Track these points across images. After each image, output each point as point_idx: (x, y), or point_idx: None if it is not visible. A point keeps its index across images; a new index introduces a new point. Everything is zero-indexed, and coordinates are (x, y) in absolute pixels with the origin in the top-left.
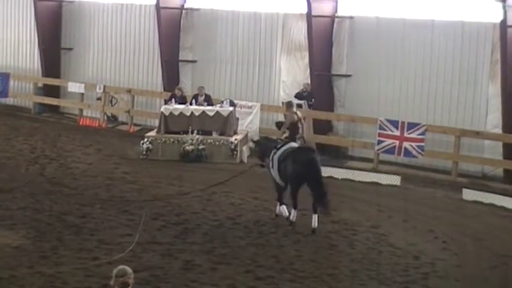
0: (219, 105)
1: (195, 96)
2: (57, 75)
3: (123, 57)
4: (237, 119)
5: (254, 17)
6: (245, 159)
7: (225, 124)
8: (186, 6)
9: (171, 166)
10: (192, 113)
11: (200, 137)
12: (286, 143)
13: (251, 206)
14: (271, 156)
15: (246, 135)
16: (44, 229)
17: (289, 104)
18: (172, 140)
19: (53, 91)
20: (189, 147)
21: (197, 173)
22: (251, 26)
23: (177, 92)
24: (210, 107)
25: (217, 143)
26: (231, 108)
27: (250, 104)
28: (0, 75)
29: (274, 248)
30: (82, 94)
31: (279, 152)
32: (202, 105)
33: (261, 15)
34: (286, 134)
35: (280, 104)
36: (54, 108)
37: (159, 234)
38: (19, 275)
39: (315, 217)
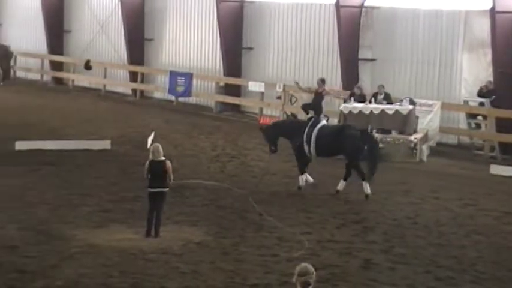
0: (398, 103)
1: (375, 95)
2: (238, 75)
3: (303, 56)
4: (417, 117)
5: (435, 14)
6: (425, 159)
7: (405, 123)
8: (365, 4)
9: None
10: (371, 111)
11: (379, 136)
12: (316, 121)
13: (431, 206)
14: (305, 133)
15: (426, 134)
16: (225, 226)
17: (322, 81)
18: None
19: (234, 90)
20: None
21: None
22: (432, 24)
23: (356, 90)
24: (389, 106)
25: (396, 141)
26: (411, 107)
27: (430, 102)
28: (184, 75)
29: (455, 248)
30: (262, 93)
31: (317, 128)
32: (381, 103)
33: (443, 13)
34: (311, 114)
35: (462, 103)
36: (235, 107)
37: (337, 232)
38: (201, 270)
39: (366, 184)
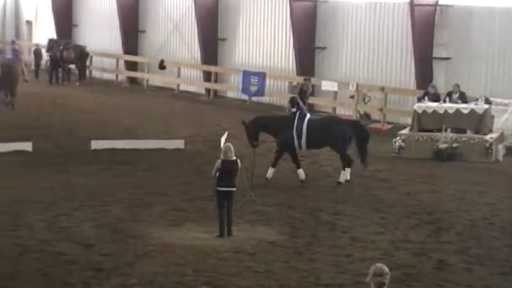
0: (473, 102)
1: (449, 94)
2: (311, 74)
3: (376, 55)
4: (492, 116)
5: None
6: (500, 158)
7: (480, 122)
8: (440, 2)
9: (424, 164)
10: (445, 110)
11: (454, 135)
12: (302, 114)
13: (507, 206)
14: (295, 127)
15: (502, 134)
16: (298, 225)
17: (307, 79)
18: (425, 138)
19: None
20: (442, 146)
21: (450, 171)
22: (508, 22)
23: (430, 89)
24: (464, 105)
25: (471, 141)
26: (487, 106)
27: (506, 101)
28: (257, 74)
29: None
30: (335, 92)
31: (305, 121)
32: (456, 102)
33: None
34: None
35: None
36: (308, 107)
37: (411, 232)
38: (275, 269)
39: (348, 170)
